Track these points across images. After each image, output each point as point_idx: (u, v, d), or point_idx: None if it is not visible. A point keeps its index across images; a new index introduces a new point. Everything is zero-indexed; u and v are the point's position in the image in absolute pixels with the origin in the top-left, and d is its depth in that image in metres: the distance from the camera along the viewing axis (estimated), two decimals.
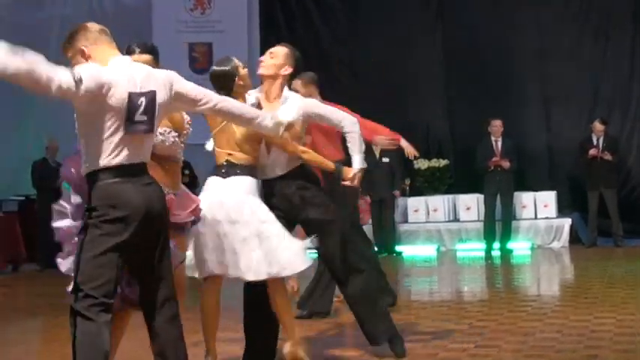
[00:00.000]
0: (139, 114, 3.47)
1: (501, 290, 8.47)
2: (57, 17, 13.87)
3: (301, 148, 4.78)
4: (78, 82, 3.31)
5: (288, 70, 4.77)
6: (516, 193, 12.31)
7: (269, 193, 4.72)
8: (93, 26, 3.63)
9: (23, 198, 11.93)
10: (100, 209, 3.43)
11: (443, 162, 13.28)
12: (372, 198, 12.12)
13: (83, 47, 3.56)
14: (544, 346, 5.19)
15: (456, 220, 12.94)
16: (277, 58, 4.77)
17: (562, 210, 12.65)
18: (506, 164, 11.92)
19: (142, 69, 3.58)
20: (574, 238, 12.31)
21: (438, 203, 12.96)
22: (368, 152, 13.40)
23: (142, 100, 3.47)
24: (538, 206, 12.59)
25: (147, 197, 3.49)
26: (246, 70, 4.67)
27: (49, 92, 3.27)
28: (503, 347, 5.23)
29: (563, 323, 5.93)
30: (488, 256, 11.74)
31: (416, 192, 13.26)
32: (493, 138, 12.11)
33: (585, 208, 11.96)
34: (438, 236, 12.77)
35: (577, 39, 13.35)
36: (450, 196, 13.06)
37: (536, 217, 12.55)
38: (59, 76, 3.25)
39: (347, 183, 4.84)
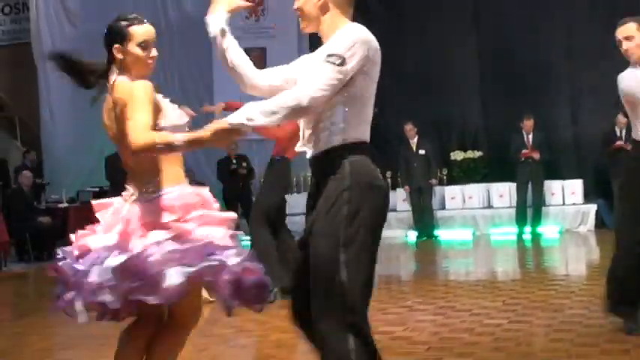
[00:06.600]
0: None
1: (532, 270, 8.64)
2: None
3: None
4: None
5: None
6: (546, 182, 12.54)
7: None
8: None
9: (97, 189, 12.81)
10: (368, 191, 2.84)
11: (477, 153, 13.55)
12: (411, 187, 12.84)
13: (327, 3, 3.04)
14: (573, 322, 5.33)
15: (490, 206, 13.18)
16: None
17: (588, 196, 12.87)
18: (536, 155, 12.20)
19: None
20: (599, 223, 12.49)
21: (473, 191, 13.17)
22: (405, 146, 13.54)
23: None
24: (566, 193, 12.82)
25: None
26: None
27: None
28: (534, 323, 5.41)
29: (590, 300, 6.02)
30: (520, 239, 11.95)
31: (453, 181, 13.51)
32: (525, 132, 12.42)
33: (609, 194, 12.01)
34: (473, 221, 13.01)
35: (604, 38, 13.68)
36: (484, 185, 13.26)
37: (564, 203, 12.80)
38: None
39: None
